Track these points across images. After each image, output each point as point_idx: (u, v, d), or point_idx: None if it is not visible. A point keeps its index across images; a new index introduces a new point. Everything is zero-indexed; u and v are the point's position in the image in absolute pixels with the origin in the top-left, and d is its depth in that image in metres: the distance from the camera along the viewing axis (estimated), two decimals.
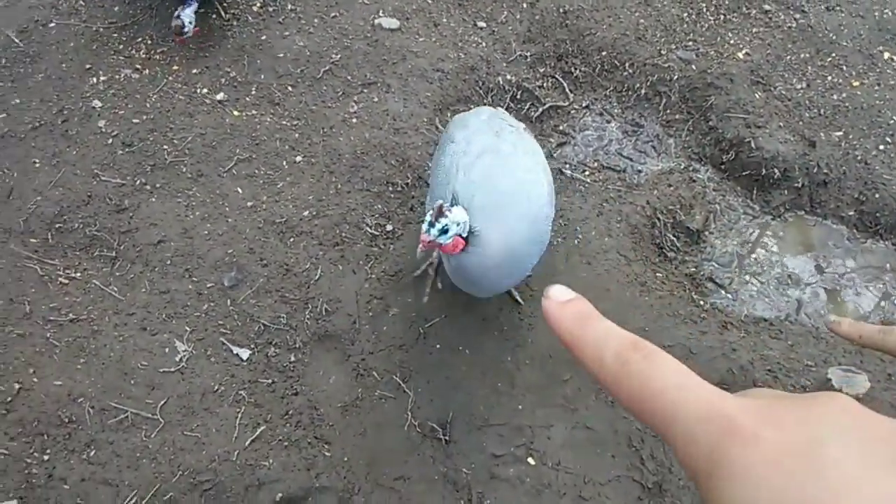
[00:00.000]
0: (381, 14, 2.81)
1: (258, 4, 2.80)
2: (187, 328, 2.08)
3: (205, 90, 2.56)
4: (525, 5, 2.87)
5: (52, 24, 2.66)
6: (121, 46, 2.62)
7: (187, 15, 2.50)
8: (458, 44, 2.76)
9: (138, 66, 2.59)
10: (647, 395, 0.34)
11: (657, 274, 2.24)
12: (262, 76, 2.61)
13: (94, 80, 2.53)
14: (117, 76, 2.55)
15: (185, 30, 2.49)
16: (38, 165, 2.34)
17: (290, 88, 2.59)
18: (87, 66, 2.56)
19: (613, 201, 2.41)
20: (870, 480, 0.27)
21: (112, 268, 2.17)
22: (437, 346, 2.08)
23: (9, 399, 1.92)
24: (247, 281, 2.18)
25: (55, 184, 2.30)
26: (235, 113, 2.51)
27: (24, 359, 1.99)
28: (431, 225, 1.53)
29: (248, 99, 2.56)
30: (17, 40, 2.61)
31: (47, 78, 2.52)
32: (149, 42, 2.66)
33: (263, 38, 2.70)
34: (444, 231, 1.55)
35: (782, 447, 0.29)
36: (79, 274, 2.15)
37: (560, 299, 0.40)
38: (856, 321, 0.73)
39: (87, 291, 2.12)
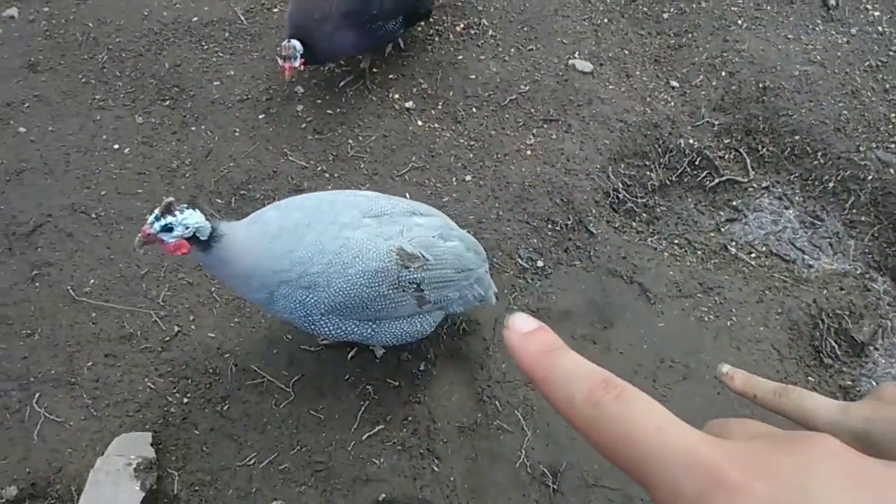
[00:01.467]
0: (576, 55, 2.84)
1: (462, 25, 2.91)
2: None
3: (396, 96, 2.69)
4: (724, 73, 2.81)
5: (276, 10, 2.89)
6: None
7: (298, 50, 2.34)
8: (646, 98, 2.75)
9: (342, 63, 2.75)
10: (623, 440, 0.32)
11: (809, 378, 2.12)
12: (451, 93, 2.71)
13: (302, 67, 2.72)
14: (322, 68, 2.73)
15: (296, 57, 2.34)
16: (237, 134, 2.54)
17: (474, 109, 2.67)
18: None
19: (777, 291, 2.31)
20: None
21: None
22: None
23: (167, 339, 2.09)
24: None
25: (248, 154, 2.48)
26: (419, 123, 2.62)
27: (187, 305, 2.15)
28: (157, 218, 1.50)
29: (433, 112, 2.66)
30: (242, 18, 2.85)
31: (262, 57, 2.74)
32: None
33: (460, 57, 2.81)
34: (167, 229, 1.51)
35: (772, 501, 0.28)
36: None
37: (522, 330, 0.37)
38: (751, 376, 0.65)
39: None
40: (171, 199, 1.52)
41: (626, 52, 2.88)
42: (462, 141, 2.59)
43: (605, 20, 2.98)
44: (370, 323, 1.76)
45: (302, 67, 2.41)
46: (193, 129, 2.54)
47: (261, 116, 2.59)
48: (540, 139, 2.61)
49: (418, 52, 2.82)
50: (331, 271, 1.63)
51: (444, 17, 2.92)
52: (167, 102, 2.60)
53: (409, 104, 2.67)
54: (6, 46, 2.73)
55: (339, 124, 2.59)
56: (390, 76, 2.74)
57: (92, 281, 2.17)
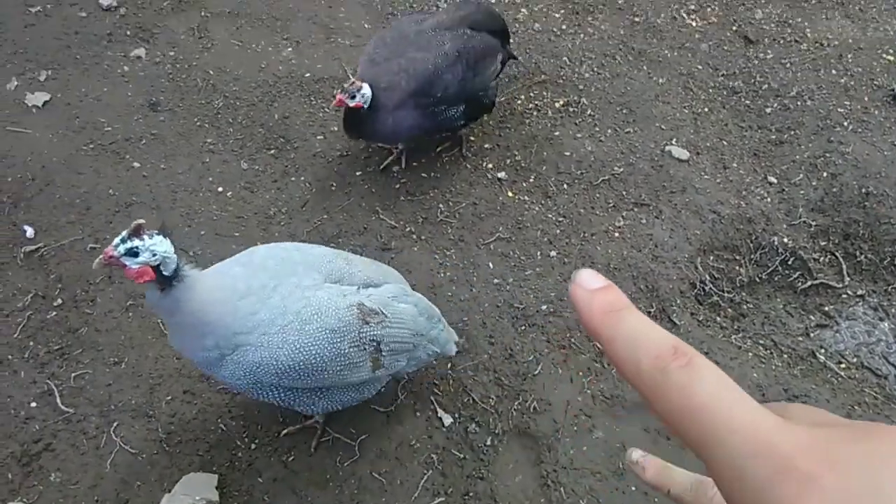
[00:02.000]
0: (673, 142, 2.83)
1: (561, 102, 2.95)
2: (406, 377, 2.19)
3: (490, 166, 2.73)
4: (825, 174, 2.75)
5: None
6: None
7: (364, 95, 2.30)
8: (741, 192, 2.70)
9: None
10: (688, 413, 0.30)
11: None
12: (544, 168, 2.73)
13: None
14: None
15: (355, 97, 2.29)
16: (333, 188, 2.62)
17: (565, 186, 2.69)
18: None
19: (866, 407, 2.19)
20: None
21: None
22: (633, 488, 1.99)
23: None
24: (471, 352, 2.25)
25: (342, 209, 2.56)
26: (510, 194, 2.65)
27: None
28: (123, 241, 1.41)
29: (524, 184, 2.69)
30: (351, 77, 2.97)
31: None
32: None
33: (557, 133, 2.84)
34: (132, 253, 1.41)
35: (843, 495, 0.26)
36: None
37: (590, 287, 0.35)
38: (667, 466, 0.57)
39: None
40: (141, 220, 1.44)
41: (725, 143, 2.86)
42: (550, 216, 2.60)
43: (706, 109, 2.96)
44: (320, 391, 1.71)
45: (353, 107, 2.32)
46: (293, 179, 2.64)
47: (357, 173, 2.67)
48: (629, 222, 2.59)
49: (516, 124, 2.87)
50: (289, 329, 1.58)
51: (545, 94, 2.97)
52: (272, 151, 2.71)
53: (501, 175, 2.71)
54: (131, 84, 2.92)
55: (432, 188, 2.64)
56: (486, 146, 2.79)
57: None
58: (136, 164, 2.63)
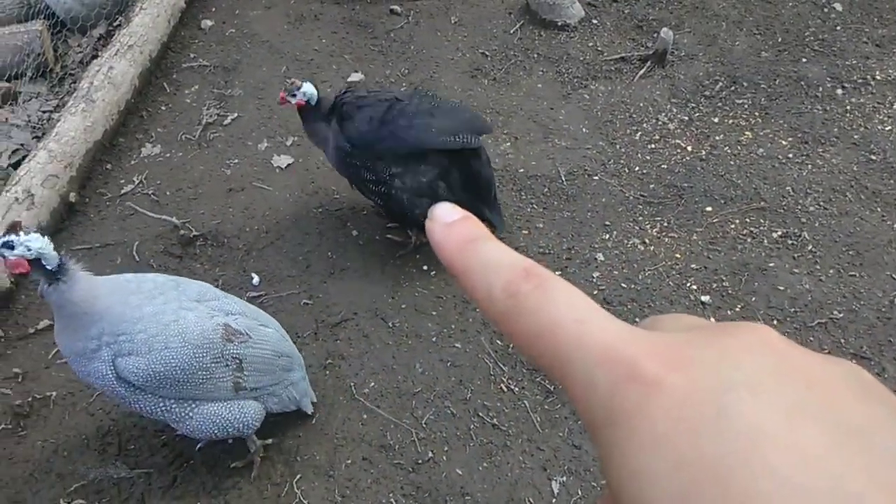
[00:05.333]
0: None
1: (779, 233, 2.81)
2: (580, 492, 2.11)
3: (694, 287, 2.64)
4: None
5: (596, 177, 3.03)
6: (640, 217, 2.86)
7: (304, 93, 2.47)
8: None
9: (646, 241, 2.79)
10: (539, 333, 0.28)
11: None
12: (753, 299, 2.60)
13: (607, 236, 2.80)
14: (625, 241, 2.78)
15: (296, 96, 2.48)
16: None
17: (775, 322, 2.53)
18: (606, 223, 2.84)
19: None
20: (787, 435, 0.22)
21: (544, 399, 2.33)
22: None
23: (419, 461, 2.17)
24: None
25: None
26: (712, 319, 2.53)
27: (445, 434, 2.23)
28: (2, 234, 1.59)
29: (729, 312, 2.56)
30: (563, 179, 3.03)
31: (571, 218, 2.87)
32: (665, 224, 2.85)
33: (771, 264, 2.70)
34: (8, 246, 1.57)
35: (688, 395, 0.24)
36: (516, 389, 2.35)
37: (446, 220, 0.33)
38: None
39: (516, 408, 2.31)
40: (19, 220, 1.64)
41: None
42: None
43: None
44: (187, 402, 1.82)
45: (296, 105, 2.52)
46: None
47: (557, 272, 2.68)
48: None
49: (727, 248, 2.77)
50: (157, 340, 1.73)
51: (762, 221, 2.85)
52: None
53: (705, 298, 2.60)
54: None
55: (630, 300, 2.59)
56: (692, 266, 2.71)
57: (372, 384, 2.34)
58: (355, 233, 2.82)
